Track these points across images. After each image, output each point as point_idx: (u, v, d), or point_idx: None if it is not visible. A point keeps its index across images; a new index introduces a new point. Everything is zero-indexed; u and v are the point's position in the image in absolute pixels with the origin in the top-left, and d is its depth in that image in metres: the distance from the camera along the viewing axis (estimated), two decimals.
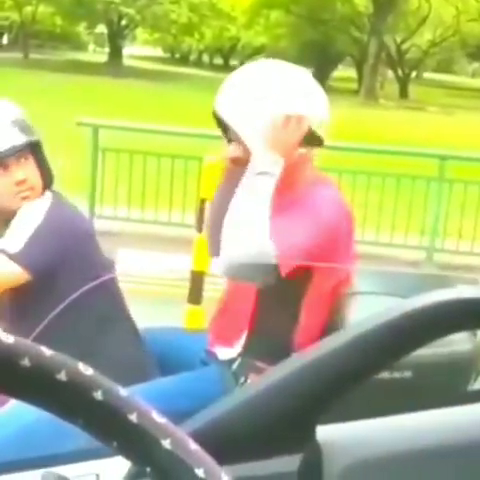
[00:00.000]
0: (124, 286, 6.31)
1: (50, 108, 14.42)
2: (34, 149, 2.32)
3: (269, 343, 2.23)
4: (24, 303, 2.27)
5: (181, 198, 6.90)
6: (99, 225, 7.28)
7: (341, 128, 15.27)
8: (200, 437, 0.76)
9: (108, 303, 2.37)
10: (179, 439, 0.70)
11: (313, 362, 0.90)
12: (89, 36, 51.10)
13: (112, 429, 0.70)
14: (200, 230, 4.04)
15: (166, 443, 0.68)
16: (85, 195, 7.16)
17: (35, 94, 17.97)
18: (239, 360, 2.24)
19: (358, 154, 8.01)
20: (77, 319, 2.25)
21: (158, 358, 2.45)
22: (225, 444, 0.84)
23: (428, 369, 1.91)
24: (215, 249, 2.18)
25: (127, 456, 0.71)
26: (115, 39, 40.08)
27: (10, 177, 2.27)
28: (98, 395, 0.69)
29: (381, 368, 0.89)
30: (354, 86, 33.34)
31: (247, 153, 2.12)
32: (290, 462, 0.89)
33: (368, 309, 2.08)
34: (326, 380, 0.90)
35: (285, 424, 0.89)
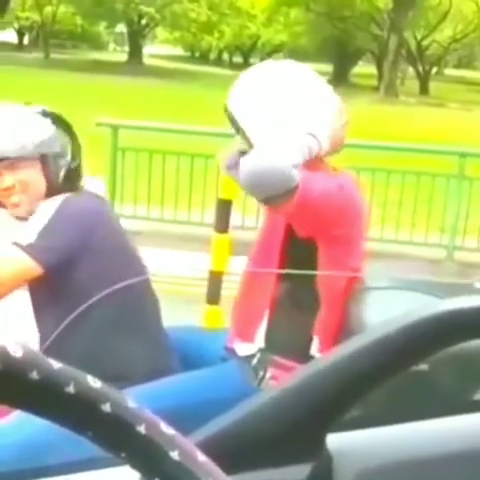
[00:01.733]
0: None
1: (69, 108, 14.48)
2: (45, 157, 2.32)
3: (288, 338, 2.25)
4: (45, 296, 2.29)
5: (200, 197, 6.92)
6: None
7: (360, 125, 15.20)
8: (209, 447, 0.77)
9: (136, 299, 2.36)
10: (187, 450, 0.71)
11: (323, 370, 0.90)
12: (109, 35, 51.28)
13: (120, 440, 0.71)
14: (218, 230, 4.06)
15: (174, 454, 0.69)
16: (105, 195, 7.23)
17: (54, 94, 18.07)
18: (258, 355, 2.25)
19: (377, 152, 7.97)
20: (102, 316, 2.26)
21: (179, 357, 2.47)
22: (234, 453, 0.84)
23: (444, 362, 1.90)
24: None
25: (136, 467, 0.71)
26: (135, 38, 40.19)
27: (1, 181, 2.30)
28: (106, 407, 0.70)
29: (391, 376, 0.89)
30: (374, 82, 33.21)
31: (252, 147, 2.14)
32: (300, 471, 0.89)
33: (382, 304, 2.09)
34: (338, 388, 0.90)
35: (296, 433, 0.90)
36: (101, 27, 46.43)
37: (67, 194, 2.31)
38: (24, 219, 2.30)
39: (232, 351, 2.32)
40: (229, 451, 0.82)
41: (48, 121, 2.37)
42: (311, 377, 0.89)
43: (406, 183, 7.06)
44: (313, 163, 2.19)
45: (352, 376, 0.88)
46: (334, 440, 0.90)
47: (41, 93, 17.62)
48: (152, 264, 7.38)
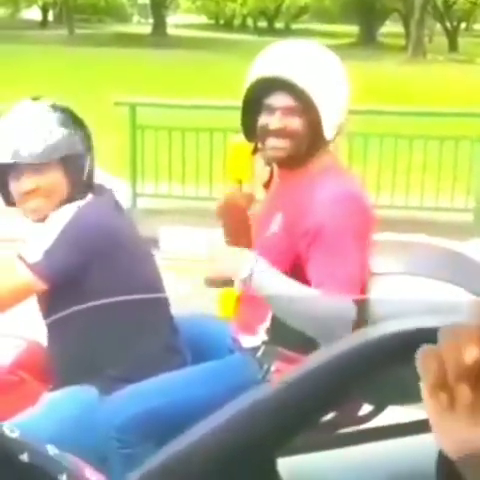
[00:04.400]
0: (166, 263, 6.35)
1: (91, 85, 14.46)
2: (65, 159, 2.27)
3: (292, 330, 2.22)
4: (53, 306, 2.29)
5: (221, 172, 6.88)
6: (141, 203, 7.35)
7: (388, 87, 15.02)
8: (160, 475, 0.75)
9: (145, 303, 2.36)
10: None
11: (273, 394, 0.88)
12: (133, 8, 51.02)
13: None
14: None
15: None
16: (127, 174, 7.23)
17: (77, 72, 18.07)
18: (263, 348, 2.23)
19: (399, 117, 7.84)
20: (109, 312, 2.27)
21: (188, 345, 2.47)
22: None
23: None
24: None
25: None
26: (158, 9, 39.93)
27: (19, 186, 2.26)
28: (24, 457, 0.69)
29: (342, 401, 0.87)
30: (402, 42, 32.68)
31: (307, 122, 2.11)
32: None
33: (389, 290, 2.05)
34: (287, 412, 0.88)
35: (245, 458, 0.88)
36: None
37: (77, 205, 2.26)
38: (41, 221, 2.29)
39: (237, 342, 2.31)
40: (180, 477, 0.81)
41: (61, 116, 2.32)
42: (260, 401, 0.88)
43: (429, 148, 6.96)
44: (322, 158, 2.16)
45: (302, 400, 0.86)
46: (284, 464, 0.89)
47: (64, 73, 17.65)
48: (175, 242, 7.40)
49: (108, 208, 2.34)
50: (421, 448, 0.96)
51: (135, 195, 7.28)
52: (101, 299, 2.19)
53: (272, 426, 0.86)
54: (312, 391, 0.85)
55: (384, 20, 40.68)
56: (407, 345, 0.83)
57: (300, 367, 0.87)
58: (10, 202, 2.35)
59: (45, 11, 44.28)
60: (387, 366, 0.88)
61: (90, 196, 2.32)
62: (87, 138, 2.36)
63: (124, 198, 7.24)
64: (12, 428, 0.67)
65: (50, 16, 45.54)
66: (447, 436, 0.60)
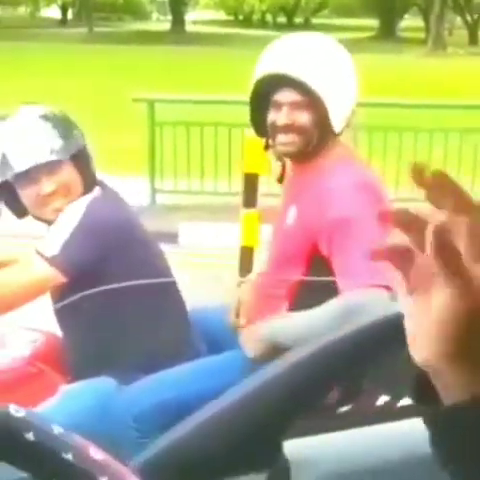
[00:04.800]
0: (186, 259, 6.35)
1: (110, 83, 14.52)
2: (74, 155, 2.31)
3: None
4: (65, 299, 2.31)
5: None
6: (160, 199, 7.37)
7: (408, 81, 14.91)
8: (162, 460, 0.77)
9: (159, 288, 2.39)
10: (116, 475, 0.70)
11: (277, 377, 0.89)
12: (152, 5, 51.08)
13: (49, 469, 0.71)
14: (247, 205, 4.03)
15: None
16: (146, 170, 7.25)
17: (96, 69, 18.13)
18: None
19: (418, 111, 7.81)
20: (125, 304, 2.29)
21: (205, 336, 2.49)
22: (188, 465, 0.83)
23: None
24: None
25: None
26: (177, 6, 39.97)
27: (39, 189, 2.27)
28: (30, 436, 0.70)
29: (343, 382, 0.87)
30: (422, 35, 32.50)
31: (315, 117, 2.12)
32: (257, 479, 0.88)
33: None
34: (292, 394, 0.89)
35: (251, 441, 0.89)
36: None
37: (90, 198, 2.29)
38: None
39: None
40: (183, 463, 0.82)
41: (59, 118, 2.36)
42: (265, 384, 0.88)
43: (450, 140, 6.92)
44: (334, 150, 2.17)
45: (306, 382, 0.87)
46: (291, 447, 0.89)
47: (83, 70, 17.71)
48: (194, 237, 7.42)
49: (117, 200, 2.38)
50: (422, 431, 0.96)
51: (154, 191, 7.30)
52: (116, 289, 2.21)
53: (277, 408, 0.87)
54: (315, 372, 0.86)
55: (404, 14, 40.46)
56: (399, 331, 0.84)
57: (303, 350, 0.88)
58: (21, 214, 2.39)
59: (64, 10, 44.45)
60: (387, 349, 0.88)
61: (98, 189, 2.36)
62: (83, 135, 2.41)
63: (143, 194, 7.31)
64: (17, 408, 0.69)
65: (69, 14, 45.71)
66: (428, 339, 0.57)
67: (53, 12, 45.28)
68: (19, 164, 2.25)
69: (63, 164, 2.28)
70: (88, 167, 2.35)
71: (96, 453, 0.71)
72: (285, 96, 2.13)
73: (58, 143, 2.28)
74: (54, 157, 2.26)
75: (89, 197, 2.30)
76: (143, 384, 2.22)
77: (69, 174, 2.30)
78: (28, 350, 2.38)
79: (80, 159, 2.32)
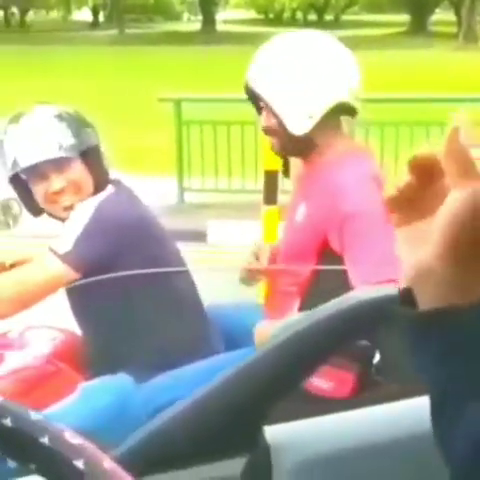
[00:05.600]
0: (214, 257, 6.36)
1: (139, 83, 14.58)
2: (85, 152, 2.31)
3: None
4: (83, 292, 2.33)
5: None
6: (188, 198, 7.39)
7: (439, 75, 14.73)
8: (142, 450, 0.77)
9: (174, 284, 2.40)
10: (92, 458, 0.71)
11: (255, 363, 0.89)
12: (182, 5, 51.23)
13: (26, 453, 0.72)
14: (267, 202, 4.02)
15: (79, 463, 0.70)
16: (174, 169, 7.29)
17: (126, 70, 18.24)
18: None
19: (451, 104, 7.72)
20: (142, 301, 2.31)
21: (223, 333, 2.49)
22: (169, 451, 0.84)
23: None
24: None
25: (46, 477, 0.73)
26: (207, 6, 40.06)
27: (48, 186, 2.29)
28: (7, 422, 0.71)
29: (321, 363, 0.88)
30: (454, 29, 32.21)
31: (277, 121, 2.16)
32: (237, 464, 0.88)
33: None
34: (270, 380, 0.89)
35: (230, 426, 0.89)
36: None
37: (103, 196, 2.30)
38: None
39: None
40: (164, 450, 0.82)
41: (72, 116, 2.37)
42: (244, 370, 0.89)
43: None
44: (335, 136, 2.18)
45: (283, 366, 0.87)
46: (272, 431, 0.89)
47: (114, 72, 17.84)
48: (222, 235, 7.43)
49: (131, 197, 2.38)
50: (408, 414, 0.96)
51: (182, 190, 7.33)
52: (131, 286, 2.23)
53: (257, 392, 0.87)
54: (293, 356, 0.86)
55: (435, 8, 40.12)
56: (384, 311, 0.84)
57: (281, 334, 0.88)
58: (37, 212, 2.40)
59: (96, 12, 44.77)
60: (365, 331, 0.88)
61: (111, 187, 2.36)
62: (96, 134, 2.41)
63: (171, 193, 7.35)
64: (33, 412, 0.70)
65: (101, 17, 46.03)
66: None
67: (85, 15, 45.63)
68: (27, 159, 2.27)
69: (72, 162, 2.29)
70: (100, 165, 2.35)
71: (72, 437, 0.72)
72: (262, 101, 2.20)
73: (68, 141, 2.29)
74: (62, 154, 2.27)
75: (102, 195, 2.31)
76: (160, 381, 2.23)
77: (79, 172, 2.30)
78: (48, 348, 2.40)
79: (91, 157, 2.32)
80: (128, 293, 2.29)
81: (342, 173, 2.11)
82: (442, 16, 39.32)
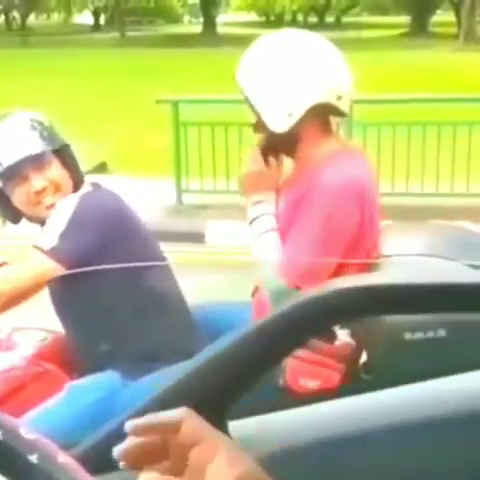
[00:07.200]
0: (213, 257, 6.35)
1: (142, 86, 14.59)
2: (60, 152, 2.37)
3: None
4: (66, 291, 2.33)
5: None
6: (187, 199, 7.39)
7: (439, 75, 14.72)
8: (104, 446, 0.76)
9: (157, 281, 2.40)
10: (46, 453, 0.71)
11: (217, 357, 0.88)
12: (183, 8, 51.35)
13: None
14: None
15: (33, 458, 0.70)
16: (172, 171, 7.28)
17: (125, 74, 18.26)
18: None
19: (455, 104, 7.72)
20: (124, 298, 2.31)
21: (213, 332, 2.48)
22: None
23: (462, 327, 1.85)
24: None
25: (0, 473, 0.72)
26: (208, 8, 40.14)
27: (29, 186, 2.31)
28: None
29: (281, 358, 0.87)
30: (454, 30, 32.22)
31: (259, 118, 2.21)
32: None
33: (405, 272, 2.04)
34: (232, 373, 0.88)
35: None
36: (174, 0, 46.55)
37: (83, 192, 2.34)
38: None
39: None
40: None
41: (39, 119, 2.40)
42: (203, 367, 0.88)
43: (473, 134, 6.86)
44: (323, 136, 2.22)
45: (244, 359, 0.86)
46: (236, 426, 0.88)
47: (113, 74, 17.86)
48: (220, 236, 7.42)
49: (110, 194, 2.41)
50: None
51: (180, 191, 7.33)
52: (115, 282, 2.24)
53: (219, 386, 0.87)
54: (257, 348, 0.86)
55: (436, 9, 40.15)
56: (339, 304, 0.83)
57: (245, 327, 0.87)
58: (16, 219, 2.44)
59: (97, 15, 44.86)
60: (321, 325, 0.88)
61: (89, 186, 2.41)
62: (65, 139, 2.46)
63: (170, 195, 7.34)
64: None
65: (102, 20, 46.11)
66: None
67: (86, 18, 45.72)
68: (9, 158, 2.30)
69: (50, 160, 2.34)
70: (74, 165, 2.41)
71: (27, 432, 0.71)
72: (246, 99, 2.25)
73: (44, 139, 2.34)
74: (39, 150, 2.31)
75: (82, 191, 2.36)
76: (147, 380, 2.22)
77: (58, 170, 2.35)
78: (35, 349, 2.40)
79: (65, 156, 2.38)
80: (110, 290, 2.30)
81: (318, 176, 2.16)
82: (443, 17, 39.36)
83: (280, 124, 2.18)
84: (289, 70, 2.17)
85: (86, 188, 2.39)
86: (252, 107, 2.22)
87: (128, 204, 2.44)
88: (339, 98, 2.18)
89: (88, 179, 2.47)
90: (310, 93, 2.16)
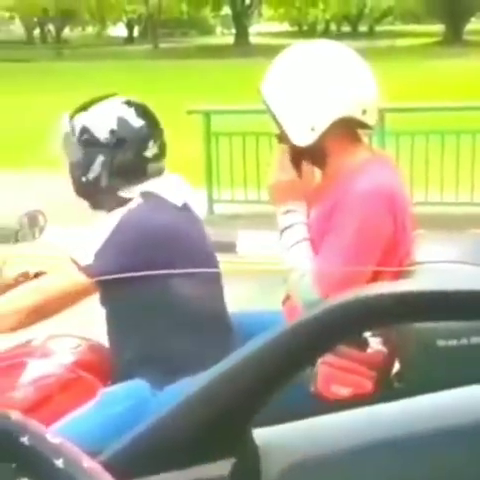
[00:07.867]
0: (244, 267, 6.36)
1: (175, 97, 14.66)
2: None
3: None
4: (109, 298, 2.35)
5: None
6: (218, 209, 7.41)
7: (471, 84, 14.53)
8: (128, 453, 0.78)
9: (198, 292, 2.40)
10: (72, 457, 0.73)
11: (242, 364, 0.90)
12: (216, 19, 51.49)
13: (7, 453, 0.73)
14: None
15: (59, 462, 0.71)
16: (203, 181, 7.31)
17: (160, 84, 18.35)
18: None
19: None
20: (164, 308, 2.32)
21: (247, 341, 2.48)
22: (157, 453, 0.85)
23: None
24: None
25: (26, 477, 0.74)
26: (240, 19, 40.20)
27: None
28: (25, 440, 0.73)
29: (311, 361, 0.88)
30: None
31: (282, 131, 2.22)
32: (224, 467, 0.89)
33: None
34: (258, 381, 0.89)
35: (217, 429, 0.89)
36: (207, 11, 46.70)
37: (130, 205, 2.31)
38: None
39: None
40: (151, 452, 0.83)
41: None
42: (231, 371, 0.89)
43: None
44: (351, 147, 2.21)
45: (271, 366, 0.87)
46: (261, 434, 0.90)
47: (145, 85, 17.94)
48: (252, 245, 7.41)
49: (157, 209, 2.35)
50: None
51: (212, 201, 7.36)
52: (155, 295, 2.26)
53: (244, 393, 0.88)
54: (283, 353, 0.87)
55: (470, 17, 39.83)
56: (370, 310, 0.84)
57: (266, 336, 0.88)
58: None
59: (130, 27, 45.18)
60: (351, 330, 0.89)
61: (140, 199, 2.35)
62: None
63: (201, 205, 7.36)
64: (15, 412, 0.72)
65: (135, 32, 46.42)
66: None
67: (120, 31, 46.06)
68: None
69: None
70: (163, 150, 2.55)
71: (53, 437, 0.73)
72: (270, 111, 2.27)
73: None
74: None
75: (130, 205, 2.32)
76: (177, 388, 2.24)
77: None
78: (69, 357, 2.43)
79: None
80: (151, 300, 2.30)
81: (347, 186, 2.15)
82: (477, 25, 39.02)
83: (303, 138, 2.17)
84: (312, 83, 2.16)
85: (136, 201, 2.34)
86: (275, 118, 2.23)
87: (178, 217, 2.38)
88: (364, 112, 2.16)
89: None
90: (333, 107, 2.14)
